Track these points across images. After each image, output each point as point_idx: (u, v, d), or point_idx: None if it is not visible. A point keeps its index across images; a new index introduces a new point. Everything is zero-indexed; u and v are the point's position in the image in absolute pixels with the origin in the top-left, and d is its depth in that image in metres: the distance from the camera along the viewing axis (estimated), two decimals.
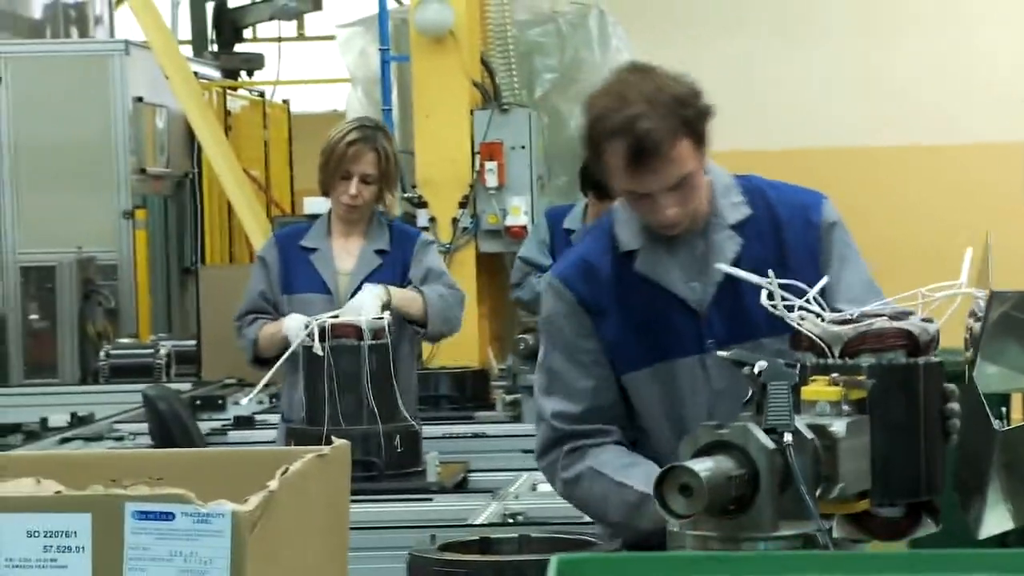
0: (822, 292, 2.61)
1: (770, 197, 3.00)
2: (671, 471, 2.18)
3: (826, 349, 2.45)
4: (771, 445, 2.22)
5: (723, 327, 2.87)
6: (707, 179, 2.96)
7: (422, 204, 7.86)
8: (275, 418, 5.72)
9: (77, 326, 8.83)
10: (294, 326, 4.55)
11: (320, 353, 4.42)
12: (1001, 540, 2.74)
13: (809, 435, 2.28)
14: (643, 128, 2.79)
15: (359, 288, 4.63)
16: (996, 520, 2.65)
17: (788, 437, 2.24)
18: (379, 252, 4.77)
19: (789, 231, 2.93)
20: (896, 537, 2.53)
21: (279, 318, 4.71)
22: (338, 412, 4.43)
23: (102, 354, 7.71)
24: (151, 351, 7.54)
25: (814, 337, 2.47)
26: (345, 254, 4.80)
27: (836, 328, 2.48)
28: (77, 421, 5.99)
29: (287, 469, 1.95)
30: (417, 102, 7.89)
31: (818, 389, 2.37)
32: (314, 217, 5.28)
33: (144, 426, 5.44)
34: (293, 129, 11.62)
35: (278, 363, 4.59)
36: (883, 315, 2.52)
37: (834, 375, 2.39)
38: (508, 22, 8.18)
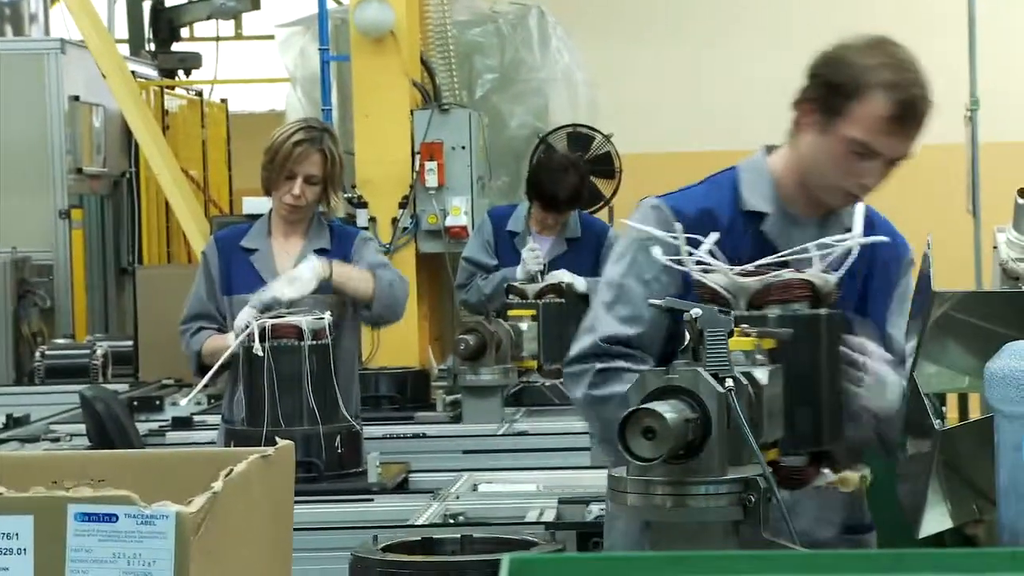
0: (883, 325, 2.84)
1: (875, 221, 3.07)
2: (634, 414, 2.19)
3: (732, 300, 2.51)
4: (721, 389, 2.23)
5: None
6: None
7: (362, 204, 7.84)
8: (214, 419, 5.69)
9: (12, 326, 8.75)
10: (240, 323, 4.53)
11: (260, 354, 4.40)
12: (937, 539, 2.75)
13: (744, 381, 2.31)
14: (920, 93, 2.94)
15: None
16: (935, 519, 2.66)
17: (729, 382, 2.26)
18: (319, 252, 4.76)
19: (877, 257, 2.99)
20: (799, 486, 2.58)
21: (223, 326, 4.69)
22: (278, 413, 4.42)
23: (37, 355, 7.65)
24: (87, 352, 7.48)
25: (719, 288, 2.51)
26: (285, 254, 4.78)
27: (743, 280, 2.54)
28: (13, 422, 5.94)
29: (231, 470, 1.94)
30: (357, 102, 7.87)
31: (734, 339, 2.41)
32: (254, 217, 5.26)
33: (81, 427, 5.40)
34: (231, 129, 11.58)
35: (215, 370, 4.55)
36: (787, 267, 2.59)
37: (744, 326, 2.43)
38: (448, 22, 8.18)
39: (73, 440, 5.53)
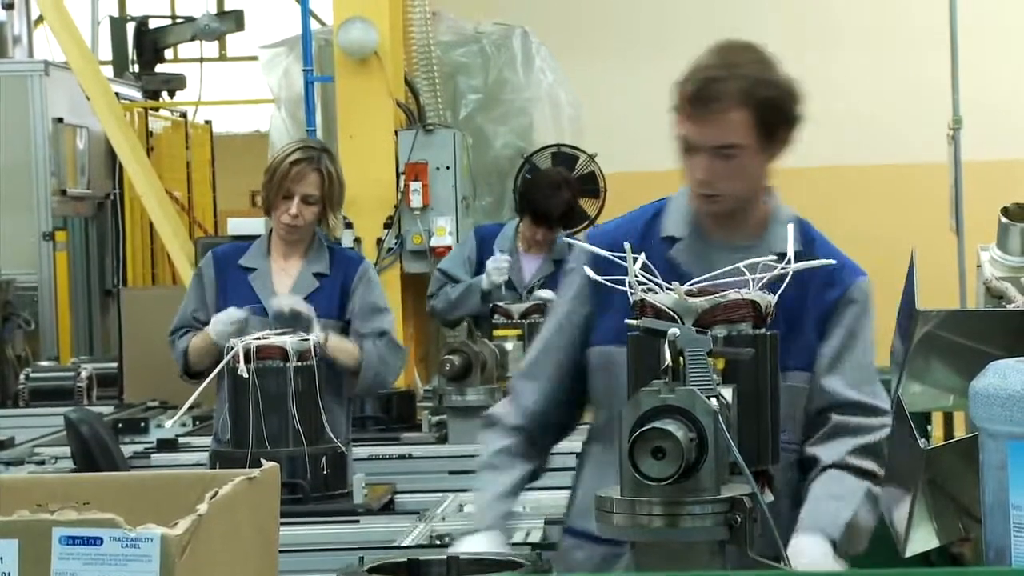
0: (815, 359, 2.83)
1: (816, 245, 3.00)
2: (643, 434, 2.18)
3: (678, 319, 2.53)
4: (715, 408, 2.23)
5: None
6: (769, 206, 2.99)
7: (347, 225, 7.84)
8: (199, 440, 5.69)
9: None
10: (221, 320, 4.53)
11: (245, 375, 4.39)
12: (924, 557, 2.75)
13: (727, 400, 2.34)
14: (711, 76, 2.89)
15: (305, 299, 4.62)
16: (922, 538, 2.66)
17: (713, 402, 2.26)
18: (318, 275, 4.75)
19: (816, 280, 2.92)
20: None
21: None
22: (264, 434, 4.41)
23: (22, 377, 7.63)
24: (72, 374, 7.47)
25: (665, 308, 2.53)
26: (284, 275, 4.78)
27: (691, 300, 2.55)
28: None
29: (216, 493, 1.94)
30: (341, 123, 7.88)
31: None
32: (239, 238, 5.26)
33: (66, 450, 5.38)
34: (216, 150, 11.58)
35: (206, 381, 4.55)
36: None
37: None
38: (432, 43, 8.19)
39: (58, 463, 5.52)
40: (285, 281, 4.74)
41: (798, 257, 2.79)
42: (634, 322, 2.50)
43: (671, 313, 2.53)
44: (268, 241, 4.82)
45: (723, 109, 2.88)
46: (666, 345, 2.34)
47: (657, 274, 2.65)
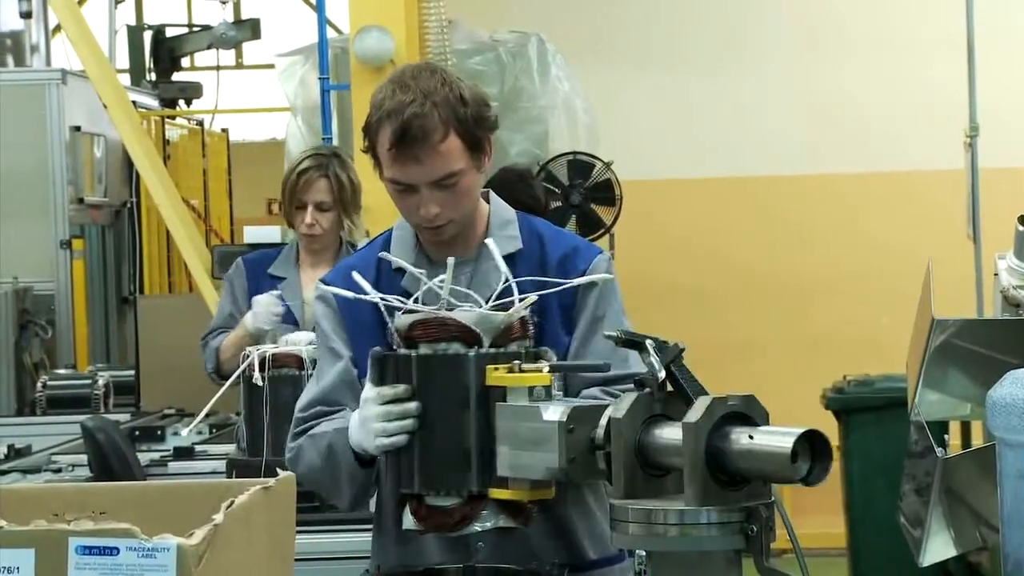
0: (567, 351, 2.87)
1: (545, 237, 3.03)
2: (803, 437, 2.17)
3: (481, 337, 2.57)
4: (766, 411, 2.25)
5: None
6: (487, 208, 3.00)
7: (364, 233, 7.84)
8: (216, 448, 5.69)
9: (13, 357, 8.74)
10: (261, 302, 4.53)
11: (260, 384, 4.39)
12: (942, 567, 2.75)
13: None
14: (412, 113, 2.81)
15: None
16: (939, 547, 2.66)
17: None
18: None
19: (555, 271, 2.93)
20: (454, 528, 2.68)
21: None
22: (279, 442, 4.41)
23: (39, 385, 7.63)
24: (89, 382, 7.47)
25: (469, 325, 2.57)
26: (312, 283, 4.79)
27: (494, 315, 2.60)
28: (14, 453, 5.92)
29: (232, 502, 1.94)
30: (357, 131, 7.86)
31: (535, 376, 2.51)
32: (254, 246, 5.28)
33: (83, 458, 5.38)
34: (232, 158, 11.58)
35: (222, 389, 4.56)
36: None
37: (516, 362, 2.53)
38: (448, 51, 8.19)
39: (75, 471, 5.52)
40: (314, 290, 4.76)
41: (530, 254, 2.92)
42: (614, 334, 2.49)
43: (475, 331, 2.57)
44: (296, 250, 4.84)
45: (434, 143, 2.84)
46: (653, 355, 2.35)
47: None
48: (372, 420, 2.67)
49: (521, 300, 2.64)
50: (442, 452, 2.62)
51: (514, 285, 2.67)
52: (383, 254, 2.95)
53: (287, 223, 4.87)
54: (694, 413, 2.23)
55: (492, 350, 2.59)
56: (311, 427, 3.02)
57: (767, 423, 2.25)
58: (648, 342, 2.37)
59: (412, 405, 2.63)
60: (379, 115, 2.87)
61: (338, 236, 4.83)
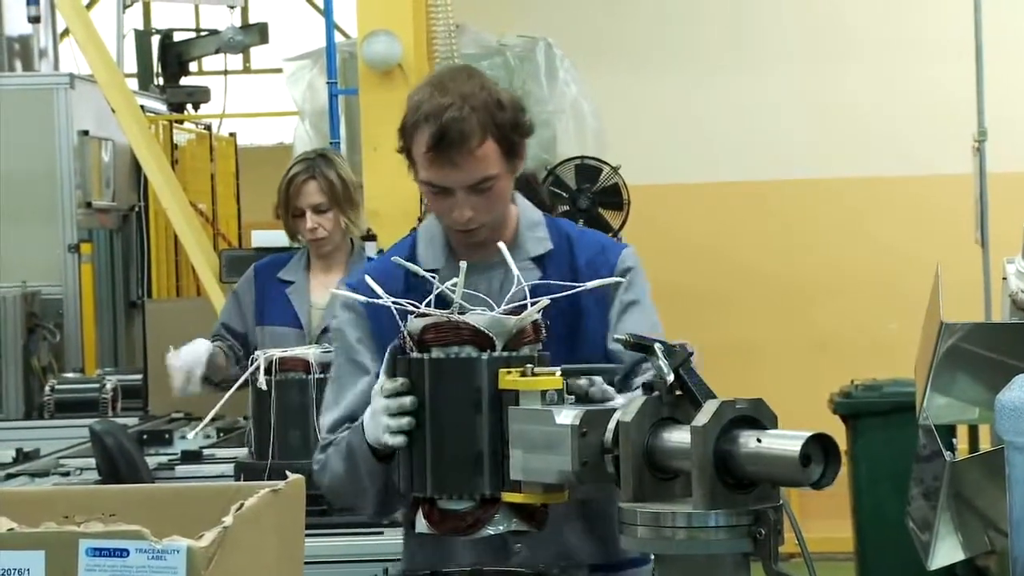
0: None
1: (572, 237, 3.04)
2: (812, 440, 2.17)
3: (494, 340, 2.57)
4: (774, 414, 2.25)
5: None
6: (515, 210, 3.01)
7: (371, 237, 7.84)
8: (223, 452, 5.70)
9: (22, 361, 8.75)
10: (188, 353, 4.54)
11: (264, 388, 4.40)
12: (950, 570, 2.75)
13: None
14: (451, 117, 2.82)
15: None
16: (947, 551, 2.66)
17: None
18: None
19: (584, 271, 2.94)
20: (467, 532, 2.65)
21: (235, 347, 4.72)
22: (287, 446, 4.42)
23: (47, 389, 7.64)
24: (97, 385, 7.47)
25: (482, 329, 2.56)
26: (322, 288, 4.80)
27: (505, 319, 2.59)
28: (22, 457, 5.93)
29: (242, 505, 1.94)
30: (365, 135, 7.89)
31: (548, 379, 2.50)
32: (262, 251, 5.29)
33: (91, 461, 5.39)
34: (240, 162, 11.60)
35: (228, 394, 4.57)
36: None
37: (529, 365, 2.53)
38: (456, 55, 8.20)
39: (83, 474, 5.52)
40: (323, 294, 4.76)
41: (560, 255, 2.93)
42: (622, 337, 2.49)
43: (488, 334, 2.57)
44: (308, 255, 4.85)
45: (472, 148, 2.84)
46: (662, 358, 2.35)
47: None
48: (380, 412, 2.67)
49: (533, 304, 2.64)
50: (454, 456, 2.62)
51: (526, 288, 2.67)
52: (395, 258, 2.95)
53: (289, 236, 4.86)
54: (702, 416, 2.23)
55: (504, 354, 2.59)
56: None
57: (776, 427, 2.25)
58: (656, 345, 2.38)
59: (407, 399, 2.63)
60: (416, 117, 2.87)
61: (347, 237, 4.82)
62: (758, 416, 2.24)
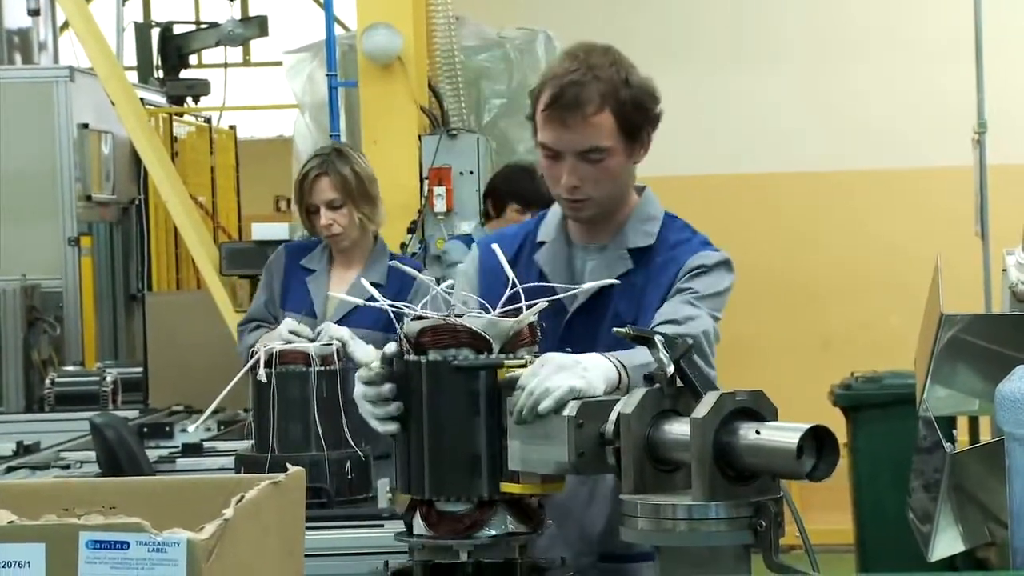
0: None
1: (674, 235, 3.05)
2: (808, 434, 2.18)
3: (491, 343, 2.57)
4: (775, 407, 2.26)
5: (582, 334, 2.90)
6: (636, 201, 3.01)
7: None
8: (224, 444, 5.71)
9: (22, 354, 8.76)
10: (285, 326, 4.54)
11: (264, 380, 4.40)
12: (950, 562, 2.75)
13: None
14: (571, 80, 2.87)
15: (354, 311, 4.62)
16: (947, 542, 2.66)
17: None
18: (374, 285, 4.76)
19: (659, 269, 2.97)
20: (465, 533, 2.65)
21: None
22: (286, 439, 4.42)
23: (47, 382, 7.64)
24: (97, 379, 7.48)
25: (479, 331, 2.57)
26: (341, 282, 4.81)
27: (501, 322, 2.60)
28: (23, 450, 5.93)
29: (242, 497, 1.94)
30: (365, 128, 7.88)
31: None
32: (263, 243, 5.30)
33: (91, 454, 5.39)
34: (240, 155, 11.60)
35: (228, 387, 4.57)
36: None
37: (528, 357, 2.56)
38: (455, 48, 8.19)
39: (83, 467, 5.53)
40: (341, 288, 4.77)
41: (657, 252, 2.94)
42: (622, 330, 2.49)
43: (484, 336, 2.57)
44: (330, 248, 4.88)
45: (587, 113, 2.88)
46: (662, 350, 2.35)
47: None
48: (361, 398, 2.70)
49: (529, 307, 2.64)
50: (452, 458, 2.62)
51: (520, 290, 2.67)
52: (494, 246, 2.92)
53: (309, 232, 4.90)
54: (702, 408, 2.23)
55: (501, 356, 2.59)
56: None
57: (775, 419, 2.25)
58: (657, 338, 2.38)
59: (386, 388, 2.64)
60: (544, 79, 2.93)
61: (367, 232, 4.83)
62: (758, 408, 2.25)
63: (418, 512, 2.67)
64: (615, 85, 2.90)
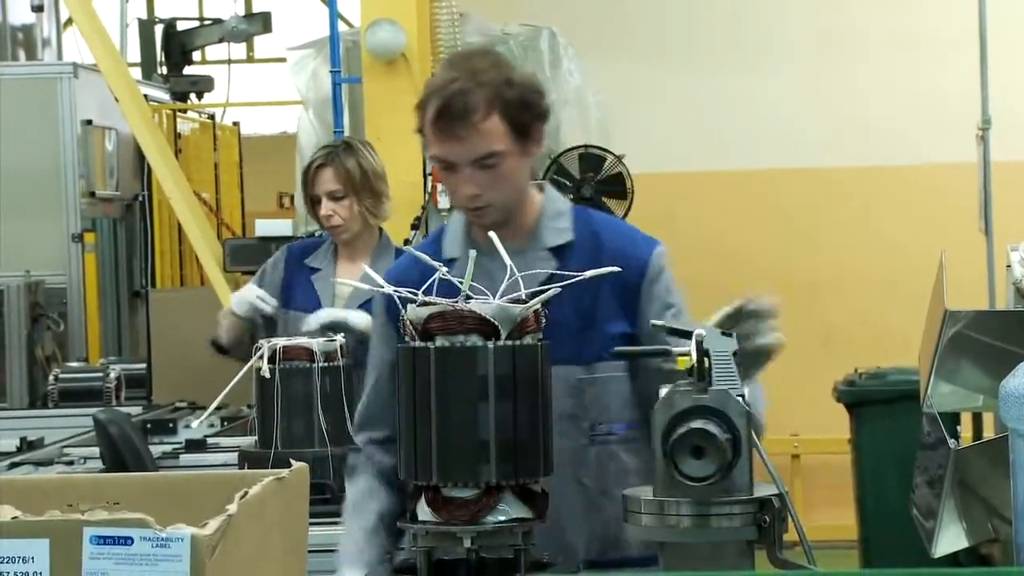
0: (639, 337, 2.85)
1: (599, 228, 3.04)
2: (683, 435, 2.19)
3: (499, 329, 2.57)
4: (747, 409, 2.25)
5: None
6: (540, 199, 3.01)
7: None
8: (227, 441, 5.71)
9: (25, 350, 8.76)
10: (246, 291, 4.60)
11: (268, 376, 4.41)
12: (953, 558, 2.75)
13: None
14: (455, 90, 2.85)
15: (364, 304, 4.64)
16: (951, 538, 2.66)
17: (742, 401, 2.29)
18: None
19: (607, 263, 2.87)
20: (470, 520, 2.66)
21: (255, 321, 4.80)
22: (290, 435, 4.42)
23: (51, 378, 7.65)
24: (101, 375, 7.49)
25: (488, 317, 2.56)
26: (347, 277, 4.82)
27: (510, 308, 2.59)
28: (27, 446, 5.94)
29: (246, 493, 1.94)
30: (369, 124, 7.89)
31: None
32: (266, 240, 5.31)
33: (95, 450, 5.40)
34: (244, 151, 11.60)
35: (232, 382, 4.57)
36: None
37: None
38: (459, 44, 8.19)
39: (87, 463, 5.54)
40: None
41: (583, 246, 2.92)
42: (659, 323, 2.50)
43: (493, 322, 2.57)
44: (335, 243, 4.91)
45: (475, 121, 2.87)
46: (694, 345, 2.34)
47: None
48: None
49: (537, 295, 2.64)
50: (460, 444, 2.62)
51: (519, 279, 2.67)
52: (408, 248, 2.97)
53: (316, 222, 4.95)
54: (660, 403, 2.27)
55: (509, 342, 2.59)
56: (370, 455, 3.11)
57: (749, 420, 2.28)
58: (697, 331, 2.38)
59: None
60: (427, 92, 2.92)
61: (371, 226, 4.85)
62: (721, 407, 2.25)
63: (423, 498, 2.67)
64: (499, 88, 2.89)
